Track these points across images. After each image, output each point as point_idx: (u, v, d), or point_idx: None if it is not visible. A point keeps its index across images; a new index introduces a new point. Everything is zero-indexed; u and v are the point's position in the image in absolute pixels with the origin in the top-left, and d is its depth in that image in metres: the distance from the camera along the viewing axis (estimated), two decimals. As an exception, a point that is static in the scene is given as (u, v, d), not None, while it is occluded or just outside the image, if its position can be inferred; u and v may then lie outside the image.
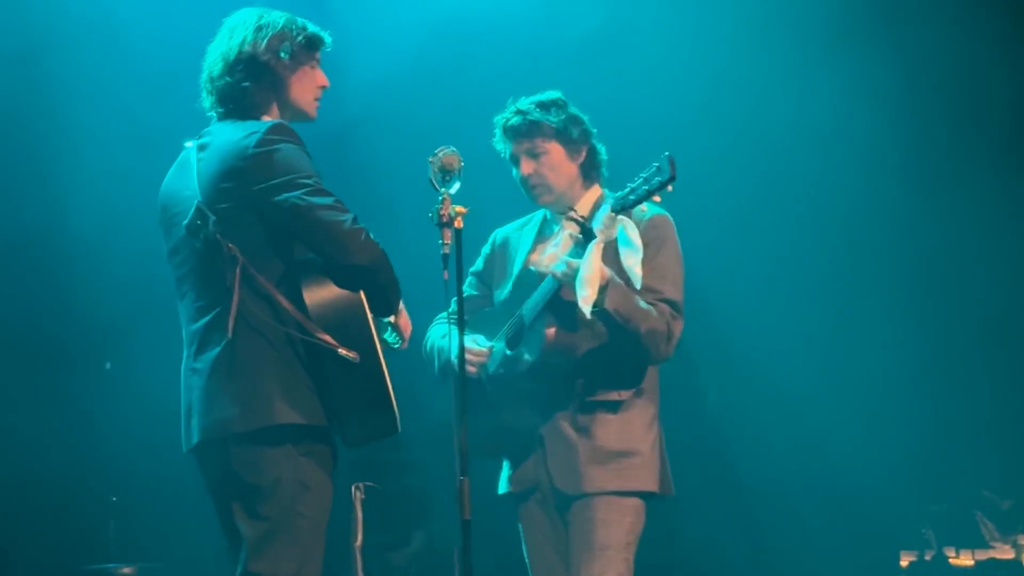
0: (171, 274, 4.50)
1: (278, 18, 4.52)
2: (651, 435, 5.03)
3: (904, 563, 7.98)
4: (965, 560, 7.89)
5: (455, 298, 5.10)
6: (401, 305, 4.56)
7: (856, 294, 8.23)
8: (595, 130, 5.18)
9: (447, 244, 4.39)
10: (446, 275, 4.44)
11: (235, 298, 4.21)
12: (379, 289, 4.31)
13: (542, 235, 5.25)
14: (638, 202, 4.62)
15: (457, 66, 7.93)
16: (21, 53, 7.64)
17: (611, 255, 4.80)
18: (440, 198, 4.39)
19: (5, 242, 7.61)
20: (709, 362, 8.33)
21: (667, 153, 4.57)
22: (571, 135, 5.10)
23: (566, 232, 5.05)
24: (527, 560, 5.12)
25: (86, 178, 7.63)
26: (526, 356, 4.94)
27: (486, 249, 5.41)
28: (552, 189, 5.10)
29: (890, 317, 8.21)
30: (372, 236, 4.25)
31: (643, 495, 5.00)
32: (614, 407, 4.98)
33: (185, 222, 4.31)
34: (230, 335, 4.21)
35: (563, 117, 5.10)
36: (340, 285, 4.26)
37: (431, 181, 4.42)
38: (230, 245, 4.22)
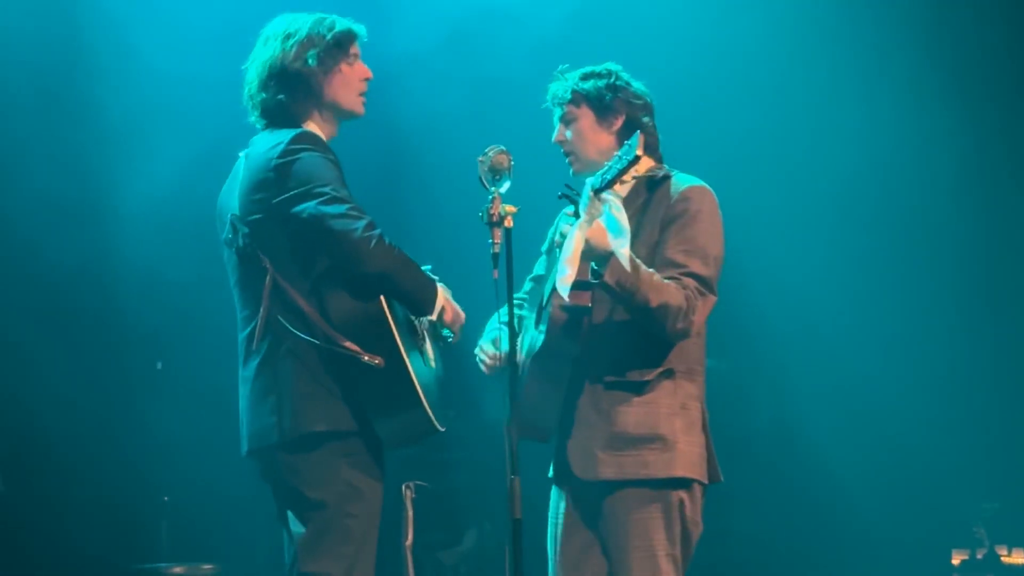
0: (228, 278, 4.56)
1: (304, 24, 4.51)
2: (680, 419, 4.77)
3: (956, 561, 7.94)
4: (1017, 558, 7.85)
5: (528, 277, 5.17)
6: (448, 298, 4.56)
7: (913, 291, 8.18)
8: (643, 102, 4.94)
9: (497, 243, 4.36)
10: (496, 274, 4.42)
11: (263, 310, 4.27)
12: (402, 293, 4.34)
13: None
14: (613, 181, 4.42)
15: (502, 63, 7.92)
16: (67, 46, 7.71)
17: (635, 226, 4.69)
18: (490, 197, 4.38)
19: (60, 242, 7.66)
20: (761, 357, 8.31)
21: (637, 131, 4.46)
22: (604, 101, 4.90)
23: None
24: (548, 544, 4.98)
25: (141, 179, 7.68)
26: (540, 337, 4.83)
27: (544, 246, 5.33)
28: (579, 156, 4.92)
29: (947, 314, 8.17)
30: (387, 240, 4.26)
31: (674, 482, 4.76)
32: (637, 388, 4.75)
33: (223, 236, 4.38)
34: (255, 347, 4.29)
35: (599, 84, 4.92)
36: (358, 292, 4.29)
37: (481, 180, 4.41)
38: (261, 257, 4.28)
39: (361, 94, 4.58)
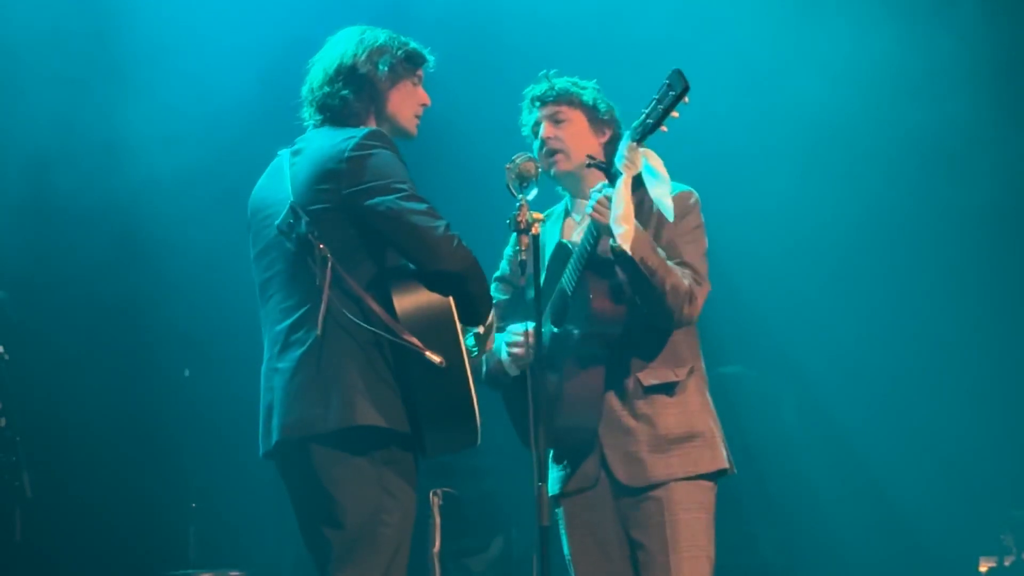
0: (255, 278, 4.53)
1: (380, 34, 4.59)
2: (708, 415, 4.93)
3: (983, 569, 7.91)
4: (1046, 566, 7.82)
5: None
6: (492, 320, 4.58)
7: (943, 294, 8.14)
8: (623, 122, 5.07)
9: (524, 250, 4.37)
10: (522, 281, 4.45)
11: (325, 297, 4.24)
12: (468, 297, 4.33)
13: (567, 225, 5.21)
14: (657, 124, 4.55)
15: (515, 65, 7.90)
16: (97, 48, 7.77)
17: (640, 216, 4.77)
18: (517, 204, 4.38)
19: (90, 251, 7.70)
20: (785, 364, 8.30)
21: (675, 68, 4.50)
22: (598, 111, 5.05)
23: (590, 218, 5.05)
24: (568, 559, 5.00)
25: (172, 191, 7.71)
26: (574, 330, 4.87)
27: (509, 250, 5.38)
28: (570, 155, 5.01)
29: (977, 317, 8.13)
30: (464, 244, 4.28)
31: (710, 476, 4.89)
32: (670, 389, 4.88)
33: (277, 222, 4.36)
34: (319, 332, 4.23)
35: (594, 94, 5.07)
36: (431, 290, 4.28)
37: (508, 187, 4.42)
38: (321, 245, 4.26)
39: (417, 116, 4.64)
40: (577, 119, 5.05)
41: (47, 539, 7.38)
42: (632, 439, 4.85)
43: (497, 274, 5.36)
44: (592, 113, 5.05)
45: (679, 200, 4.90)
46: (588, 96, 5.06)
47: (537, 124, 5.09)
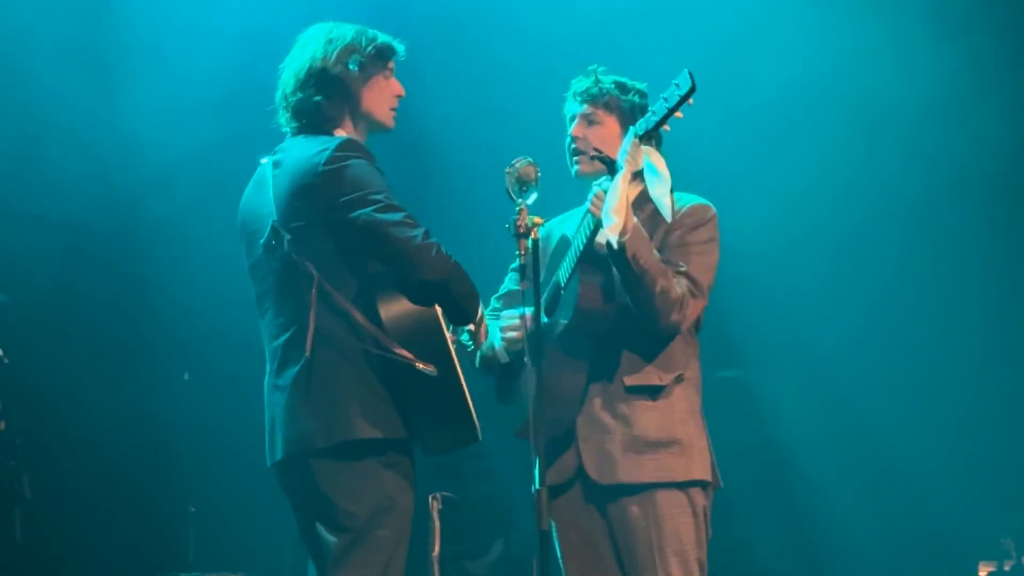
0: (252, 289, 4.55)
1: (347, 31, 4.55)
2: (692, 424, 4.86)
3: (983, 573, 7.92)
4: (1045, 570, 7.83)
5: (494, 296, 5.21)
6: (481, 314, 4.60)
7: (940, 293, 8.15)
8: (662, 136, 4.90)
9: (523, 255, 4.38)
10: (523, 286, 4.44)
11: (312, 316, 4.25)
12: (453, 302, 4.34)
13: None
14: (661, 122, 4.51)
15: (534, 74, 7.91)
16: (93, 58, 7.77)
17: (639, 209, 4.74)
18: (517, 209, 4.38)
19: (91, 255, 7.71)
20: (782, 362, 8.30)
21: (687, 69, 4.46)
22: (634, 119, 4.89)
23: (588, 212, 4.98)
24: (560, 559, 4.96)
25: (171, 192, 7.72)
26: (561, 320, 4.85)
27: (529, 243, 5.34)
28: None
29: (972, 318, 8.13)
30: (444, 249, 4.28)
31: (687, 485, 4.82)
32: (654, 393, 4.82)
33: (262, 241, 4.37)
34: (308, 353, 4.25)
35: (634, 101, 5.00)
36: (414, 300, 4.30)
37: (508, 192, 4.41)
38: (306, 263, 4.27)
39: (392, 109, 4.61)
40: (610, 124, 4.99)
41: (47, 541, 7.38)
42: (607, 437, 4.82)
43: (514, 265, 5.32)
44: (628, 121, 4.93)
45: (696, 211, 4.90)
46: (628, 103, 4.99)
47: (572, 119, 5.05)
